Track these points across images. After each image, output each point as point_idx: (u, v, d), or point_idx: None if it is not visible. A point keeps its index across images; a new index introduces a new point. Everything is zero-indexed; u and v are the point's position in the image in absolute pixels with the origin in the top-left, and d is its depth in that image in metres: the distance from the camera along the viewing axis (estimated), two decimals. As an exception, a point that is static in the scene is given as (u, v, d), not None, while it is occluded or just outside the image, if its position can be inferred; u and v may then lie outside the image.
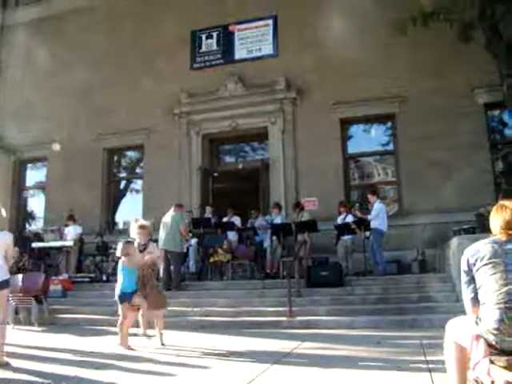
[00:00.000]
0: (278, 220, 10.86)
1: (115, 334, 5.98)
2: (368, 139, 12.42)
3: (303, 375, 4.24)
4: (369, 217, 9.60)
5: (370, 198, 9.99)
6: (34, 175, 15.86)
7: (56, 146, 14.05)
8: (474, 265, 2.61)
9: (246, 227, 11.43)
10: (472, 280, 2.65)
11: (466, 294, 2.70)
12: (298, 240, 9.81)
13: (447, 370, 2.76)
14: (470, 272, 2.66)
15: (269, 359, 4.81)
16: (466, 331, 2.58)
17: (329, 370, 4.33)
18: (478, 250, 2.62)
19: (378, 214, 9.51)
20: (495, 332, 2.42)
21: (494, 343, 2.43)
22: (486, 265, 2.55)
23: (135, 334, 6.16)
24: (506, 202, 2.77)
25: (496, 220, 2.74)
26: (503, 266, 2.48)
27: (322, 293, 8.48)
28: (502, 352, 2.42)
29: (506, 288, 2.43)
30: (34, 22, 15.46)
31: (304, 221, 10.14)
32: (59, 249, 11.35)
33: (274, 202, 11.61)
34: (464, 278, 2.71)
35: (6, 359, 4.79)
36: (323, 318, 7.50)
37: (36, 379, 4.30)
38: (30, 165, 15.78)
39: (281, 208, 11.27)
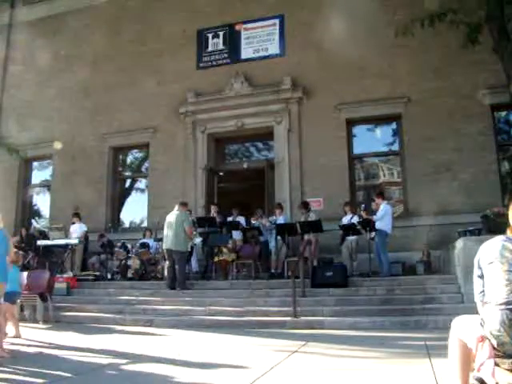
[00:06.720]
0: (280, 220, 10.85)
1: (120, 332, 6.01)
2: (373, 139, 12.37)
3: (307, 376, 4.23)
4: (374, 217, 9.57)
5: (377, 200, 9.93)
6: (40, 173, 15.89)
7: (58, 145, 14.09)
8: (483, 264, 2.60)
9: (251, 227, 11.42)
10: (482, 276, 2.64)
11: (476, 286, 2.69)
12: (303, 240, 9.81)
13: (450, 368, 2.73)
14: (479, 270, 2.66)
15: (272, 359, 4.81)
16: (472, 331, 2.55)
17: (333, 371, 4.33)
18: (487, 249, 2.61)
19: (384, 215, 9.50)
20: (496, 334, 2.38)
21: (496, 346, 2.40)
22: (491, 263, 2.53)
23: None
24: None
25: (510, 215, 2.70)
26: (507, 266, 2.45)
27: (327, 293, 8.48)
28: (506, 355, 2.38)
29: (507, 288, 2.40)
30: (39, 21, 15.52)
31: (309, 221, 10.13)
32: (64, 247, 11.38)
33: (277, 202, 11.61)
34: (476, 271, 2.70)
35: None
36: (328, 318, 7.49)
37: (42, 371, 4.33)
38: (35, 163, 15.82)
39: (283, 208, 11.25)
